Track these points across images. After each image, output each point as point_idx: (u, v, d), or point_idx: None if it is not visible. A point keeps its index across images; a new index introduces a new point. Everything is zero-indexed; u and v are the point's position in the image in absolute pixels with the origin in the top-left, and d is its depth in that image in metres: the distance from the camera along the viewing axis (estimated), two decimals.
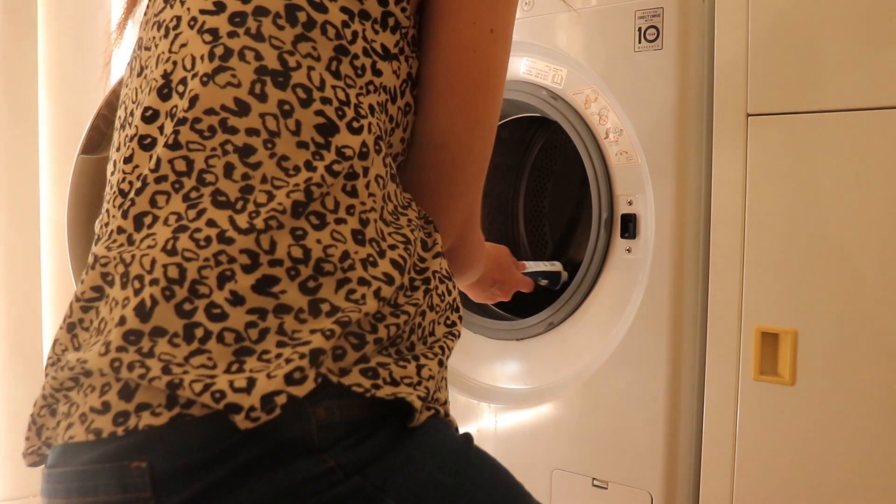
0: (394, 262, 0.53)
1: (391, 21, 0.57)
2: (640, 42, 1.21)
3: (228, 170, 0.51)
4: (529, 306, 1.38)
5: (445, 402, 0.58)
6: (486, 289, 1.12)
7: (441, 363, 0.55)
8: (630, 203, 1.24)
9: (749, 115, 1.14)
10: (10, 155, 1.87)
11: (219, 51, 0.53)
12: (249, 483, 0.45)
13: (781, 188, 1.11)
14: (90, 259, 0.53)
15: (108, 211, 0.55)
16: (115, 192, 0.55)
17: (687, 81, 1.18)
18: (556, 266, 1.37)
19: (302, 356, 0.46)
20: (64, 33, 1.89)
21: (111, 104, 0.98)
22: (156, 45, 0.57)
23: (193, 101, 0.52)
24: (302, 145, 0.52)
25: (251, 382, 0.45)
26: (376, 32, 0.57)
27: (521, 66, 1.37)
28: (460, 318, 0.60)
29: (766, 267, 1.13)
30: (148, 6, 0.62)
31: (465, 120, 0.62)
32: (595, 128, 1.27)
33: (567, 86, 1.31)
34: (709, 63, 1.19)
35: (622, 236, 1.25)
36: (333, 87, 0.54)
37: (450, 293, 0.59)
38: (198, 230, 0.49)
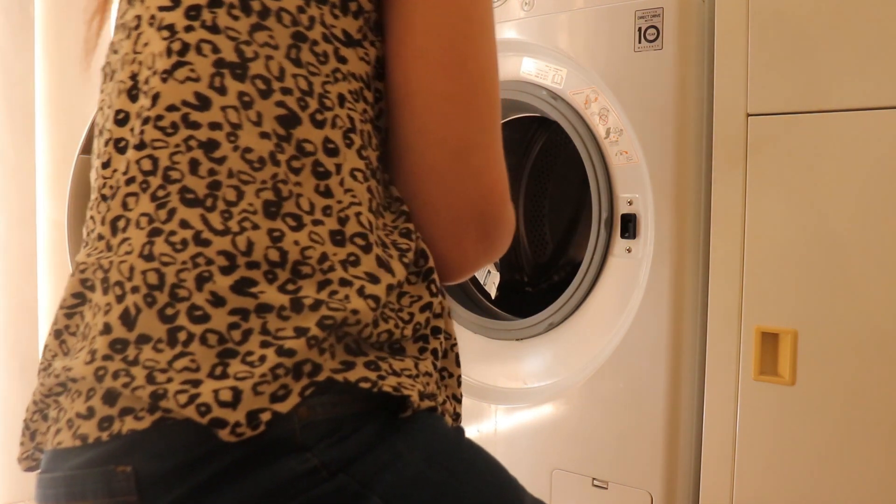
0: (379, 260, 0.52)
1: (353, 6, 0.56)
2: (640, 42, 1.20)
3: (194, 166, 0.50)
4: (529, 306, 1.38)
5: (445, 402, 0.57)
6: None
7: (435, 365, 0.55)
8: (630, 203, 1.24)
9: (749, 115, 1.14)
10: (7, 154, 1.88)
11: (176, 46, 0.52)
12: (234, 484, 0.46)
13: (781, 188, 1.11)
14: (73, 266, 0.53)
15: (92, 217, 0.55)
16: (97, 199, 0.55)
17: (687, 81, 1.18)
18: None
19: (287, 371, 0.46)
20: (61, 32, 1.90)
21: None
22: (121, 48, 0.57)
23: (155, 98, 0.52)
24: (264, 136, 0.51)
25: (237, 396, 0.45)
26: (336, 17, 0.55)
27: (521, 66, 1.37)
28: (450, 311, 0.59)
29: (766, 267, 1.12)
30: (119, 8, 0.61)
31: (436, 67, 0.55)
32: (595, 128, 1.27)
33: (567, 86, 1.30)
34: (709, 63, 1.19)
35: (622, 236, 1.25)
36: (294, 75, 0.53)
37: (437, 283, 0.58)
38: (172, 233, 0.49)
